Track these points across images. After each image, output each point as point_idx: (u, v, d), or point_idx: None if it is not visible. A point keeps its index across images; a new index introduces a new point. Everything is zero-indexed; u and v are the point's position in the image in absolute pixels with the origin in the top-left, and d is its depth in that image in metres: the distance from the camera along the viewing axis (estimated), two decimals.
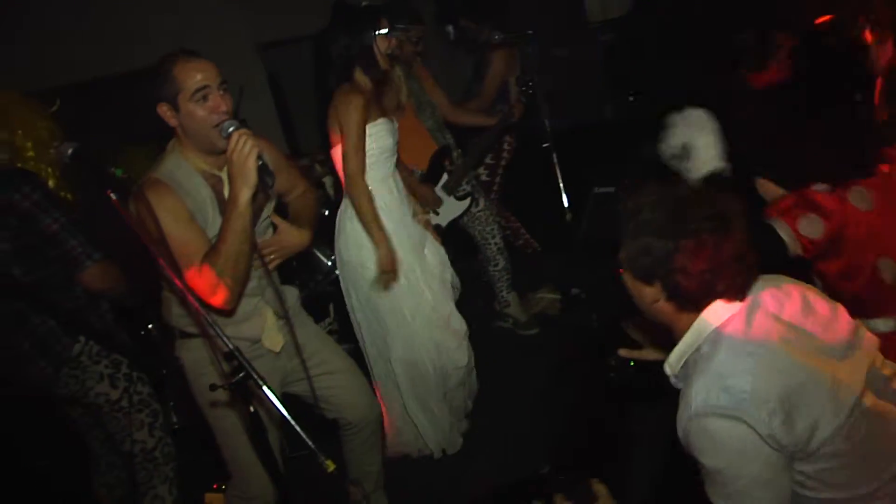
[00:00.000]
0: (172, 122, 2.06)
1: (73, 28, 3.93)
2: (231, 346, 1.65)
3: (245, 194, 1.91)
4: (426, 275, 2.97)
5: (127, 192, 1.89)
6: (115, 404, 2.50)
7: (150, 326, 3.32)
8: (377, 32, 2.73)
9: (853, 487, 1.43)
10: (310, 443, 1.65)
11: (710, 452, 1.43)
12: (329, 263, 3.93)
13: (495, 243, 3.90)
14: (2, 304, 2.35)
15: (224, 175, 2.09)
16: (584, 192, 4.68)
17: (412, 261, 2.92)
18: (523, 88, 3.74)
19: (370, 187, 2.84)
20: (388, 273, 2.82)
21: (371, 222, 2.79)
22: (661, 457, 2.79)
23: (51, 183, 2.41)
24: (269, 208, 2.29)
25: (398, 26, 3.47)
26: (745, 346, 1.45)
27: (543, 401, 3.35)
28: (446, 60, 4.14)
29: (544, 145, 3.64)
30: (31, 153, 2.41)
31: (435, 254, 3.07)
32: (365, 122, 2.75)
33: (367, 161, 2.81)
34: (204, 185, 2.10)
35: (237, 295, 2.05)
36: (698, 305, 1.51)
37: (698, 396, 1.42)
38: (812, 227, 1.94)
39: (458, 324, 3.07)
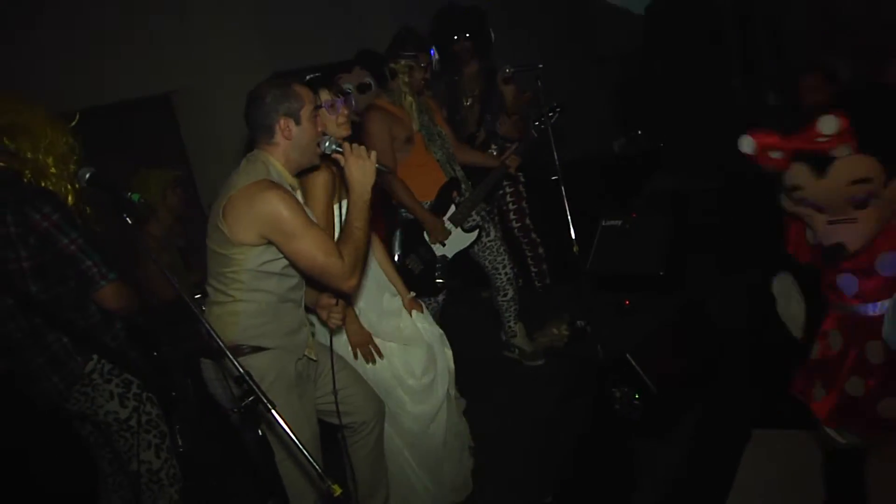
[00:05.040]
0: (288, 136, 2.21)
1: (96, 52, 4.04)
2: (242, 369, 1.70)
3: (369, 191, 2.17)
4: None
5: (143, 216, 1.93)
6: (123, 423, 2.51)
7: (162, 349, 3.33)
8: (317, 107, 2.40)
9: None
10: (317, 468, 1.68)
11: None
12: None
13: (505, 273, 3.89)
14: (18, 320, 2.39)
15: (297, 192, 2.30)
16: (592, 224, 4.72)
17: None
18: (543, 118, 3.70)
19: None
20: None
21: None
22: (663, 490, 2.80)
23: (70, 199, 2.43)
24: None
25: (406, 53, 3.54)
26: None
27: (547, 433, 3.33)
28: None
29: (553, 178, 3.69)
30: (53, 170, 2.43)
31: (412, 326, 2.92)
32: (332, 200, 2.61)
33: None
34: (293, 194, 2.25)
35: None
36: None
37: None
38: None
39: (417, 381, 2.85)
